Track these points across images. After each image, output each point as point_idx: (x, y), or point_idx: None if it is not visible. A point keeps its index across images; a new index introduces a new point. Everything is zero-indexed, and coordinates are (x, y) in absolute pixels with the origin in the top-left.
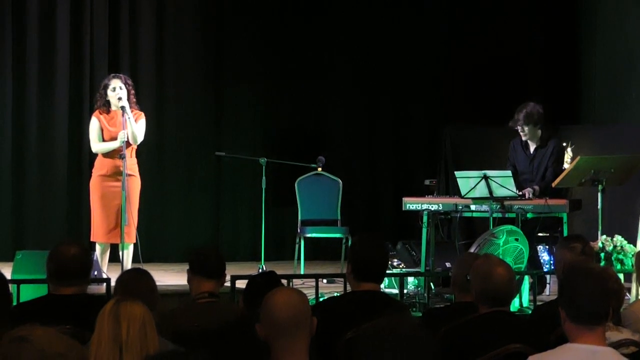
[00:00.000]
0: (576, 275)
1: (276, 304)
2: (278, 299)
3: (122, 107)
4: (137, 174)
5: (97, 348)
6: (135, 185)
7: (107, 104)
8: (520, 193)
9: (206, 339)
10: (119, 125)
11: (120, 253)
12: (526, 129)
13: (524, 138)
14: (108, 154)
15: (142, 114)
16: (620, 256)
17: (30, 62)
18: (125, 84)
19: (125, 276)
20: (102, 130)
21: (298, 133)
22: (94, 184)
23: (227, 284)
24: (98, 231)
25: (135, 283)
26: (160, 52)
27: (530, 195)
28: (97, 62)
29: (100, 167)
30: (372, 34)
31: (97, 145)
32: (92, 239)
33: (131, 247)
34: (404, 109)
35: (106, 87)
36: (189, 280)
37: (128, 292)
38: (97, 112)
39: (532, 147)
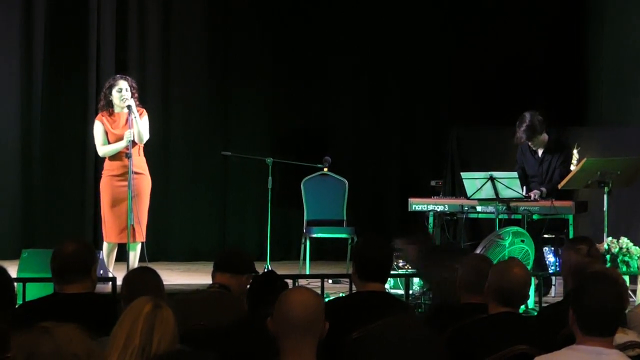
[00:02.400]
0: (593, 291)
1: (291, 302)
2: (294, 298)
3: (129, 107)
4: (146, 172)
5: (121, 352)
6: (144, 183)
7: (110, 104)
8: (527, 195)
9: (214, 337)
10: (123, 126)
11: (128, 252)
12: (534, 140)
13: (533, 148)
14: (115, 155)
15: (144, 110)
16: (626, 258)
17: (37, 63)
18: (131, 86)
19: (131, 274)
20: (106, 133)
21: (304, 133)
22: (104, 185)
23: None
24: (109, 231)
25: (142, 281)
26: (166, 52)
27: (537, 197)
28: (104, 62)
29: (109, 167)
30: (379, 35)
31: (102, 149)
32: (104, 239)
33: (139, 247)
34: (410, 109)
35: (111, 87)
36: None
37: (135, 291)
38: (99, 115)
39: (540, 151)
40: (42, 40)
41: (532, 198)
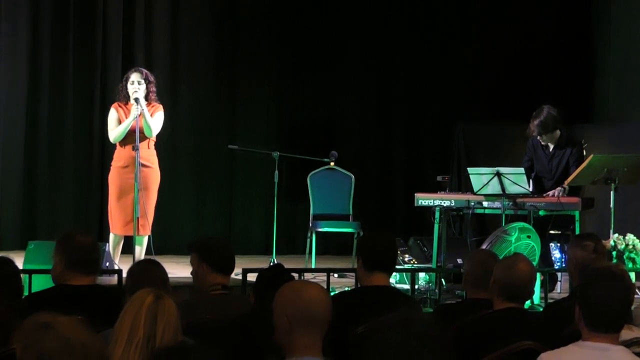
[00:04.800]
0: (600, 288)
1: (311, 298)
2: (312, 294)
3: (136, 99)
4: (154, 165)
5: (125, 345)
6: (151, 176)
7: (128, 96)
8: (550, 193)
9: (219, 331)
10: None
11: (134, 245)
12: (544, 137)
13: (543, 143)
14: (124, 145)
15: (160, 106)
16: (632, 255)
17: (44, 54)
18: (145, 78)
19: (135, 267)
20: (119, 121)
21: (311, 127)
22: (112, 176)
23: (239, 277)
24: (115, 223)
25: (147, 274)
26: (174, 45)
27: (562, 193)
28: (110, 57)
29: (118, 159)
30: (387, 30)
31: (112, 133)
32: (111, 231)
33: (145, 240)
34: (417, 104)
35: (127, 79)
36: (200, 273)
37: (139, 283)
38: (116, 104)
39: (551, 146)
40: (48, 34)
41: (556, 194)
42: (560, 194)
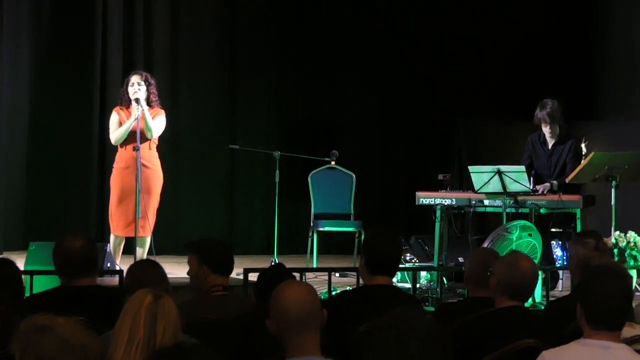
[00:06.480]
0: (601, 286)
1: (286, 299)
2: (288, 295)
3: (137, 100)
4: (156, 167)
5: (127, 345)
6: (153, 178)
7: (130, 100)
8: (535, 188)
9: (220, 331)
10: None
11: (135, 247)
12: (549, 127)
13: (547, 135)
14: (125, 146)
15: (162, 111)
16: (634, 252)
17: (44, 55)
18: (145, 80)
19: (135, 267)
20: (120, 124)
21: (312, 126)
22: (114, 177)
23: (240, 276)
24: (116, 224)
25: (146, 274)
26: (175, 45)
27: (545, 191)
28: (110, 55)
29: (119, 160)
30: (386, 28)
31: (113, 134)
32: (112, 232)
33: (147, 242)
34: (418, 103)
35: (127, 83)
36: (200, 274)
37: (138, 284)
38: (117, 107)
39: (550, 143)
40: (48, 35)
41: (540, 192)
42: (545, 190)
